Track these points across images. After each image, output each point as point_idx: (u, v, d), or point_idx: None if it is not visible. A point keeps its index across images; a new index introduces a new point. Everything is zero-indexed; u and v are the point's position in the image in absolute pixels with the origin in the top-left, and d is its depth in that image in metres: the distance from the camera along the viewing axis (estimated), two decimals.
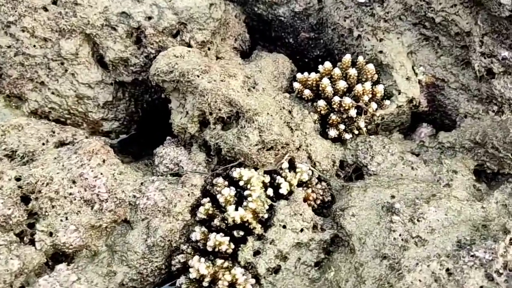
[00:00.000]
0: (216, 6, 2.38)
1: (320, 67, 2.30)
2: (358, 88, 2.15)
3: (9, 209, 1.74)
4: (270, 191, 1.91)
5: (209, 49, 2.43)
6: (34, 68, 2.48)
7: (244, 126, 1.92)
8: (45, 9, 2.39)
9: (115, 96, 2.48)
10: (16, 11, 2.43)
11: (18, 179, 1.86)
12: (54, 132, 2.13)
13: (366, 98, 2.15)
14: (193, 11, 2.31)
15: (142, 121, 2.63)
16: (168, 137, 2.25)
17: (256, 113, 1.91)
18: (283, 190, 1.91)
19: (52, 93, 2.49)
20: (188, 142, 2.17)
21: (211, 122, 2.02)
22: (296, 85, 2.29)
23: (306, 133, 2.15)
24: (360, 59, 2.26)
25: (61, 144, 2.11)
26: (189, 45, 2.33)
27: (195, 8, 2.31)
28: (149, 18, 2.30)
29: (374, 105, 2.17)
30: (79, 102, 2.47)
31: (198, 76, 2.01)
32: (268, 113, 1.93)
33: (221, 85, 1.97)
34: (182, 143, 2.20)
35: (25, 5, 2.40)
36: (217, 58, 2.45)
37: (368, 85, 2.16)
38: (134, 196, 1.93)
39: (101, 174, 1.91)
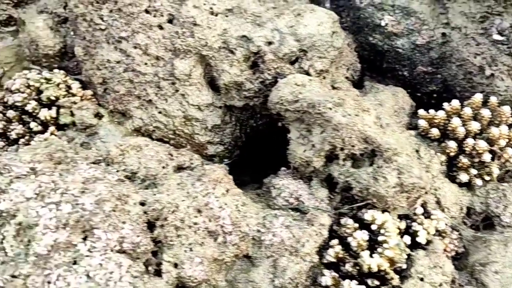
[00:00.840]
0: (337, 34, 2.29)
1: (446, 105, 2.17)
2: (494, 131, 2.00)
3: (138, 236, 1.66)
4: (407, 239, 1.78)
5: (324, 78, 2.33)
6: (143, 86, 2.44)
7: (381, 166, 1.80)
8: (160, 27, 2.36)
9: (223, 120, 2.41)
10: (129, 27, 2.40)
11: (142, 203, 1.79)
12: (172, 155, 2.07)
13: (502, 142, 2.00)
14: (316, 38, 2.22)
15: (245, 146, 2.55)
16: (282, 168, 2.15)
17: (396, 153, 1.79)
18: (421, 239, 1.78)
19: (159, 112, 2.44)
20: (307, 176, 2.06)
21: (340, 158, 1.91)
22: (422, 122, 2.16)
23: (433, 175, 2.01)
24: (493, 99, 2.11)
25: (179, 168, 2.04)
26: (307, 73, 2.24)
27: (318, 36, 2.23)
28: (270, 43, 2.22)
29: (510, 151, 2.02)
30: (186, 124, 2.41)
31: (330, 109, 1.91)
32: (407, 154, 1.81)
33: (356, 120, 1.87)
34: (298, 176, 2.10)
35: (140, 22, 2.37)
36: (333, 87, 2.35)
37: (504, 128, 2.02)
38: (259, 231, 1.83)
39: (225, 204, 1.82)
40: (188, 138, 2.44)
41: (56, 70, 2.67)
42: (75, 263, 1.55)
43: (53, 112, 2.40)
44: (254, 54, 2.25)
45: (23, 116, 2.44)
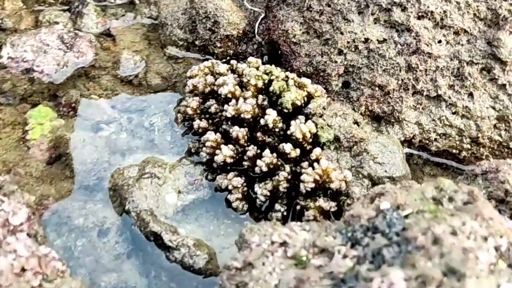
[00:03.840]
0: None
1: None
2: None
3: None
4: None
5: None
6: (429, 75, 1.64)
7: None
8: None
9: None
10: None
11: None
12: None
13: None
14: None
15: None
16: None
17: None
18: None
19: (454, 112, 1.66)
20: None
21: None
22: None
23: None
24: None
25: None
26: None
27: None
28: None
29: None
30: (497, 127, 1.64)
31: None
32: None
33: None
34: None
35: None
36: None
37: None
38: None
39: None
40: (493, 148, 1.68)
41: (252, 59, 1.78)
42: None
43: (311, 125, 1.54)
44: None
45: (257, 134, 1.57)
